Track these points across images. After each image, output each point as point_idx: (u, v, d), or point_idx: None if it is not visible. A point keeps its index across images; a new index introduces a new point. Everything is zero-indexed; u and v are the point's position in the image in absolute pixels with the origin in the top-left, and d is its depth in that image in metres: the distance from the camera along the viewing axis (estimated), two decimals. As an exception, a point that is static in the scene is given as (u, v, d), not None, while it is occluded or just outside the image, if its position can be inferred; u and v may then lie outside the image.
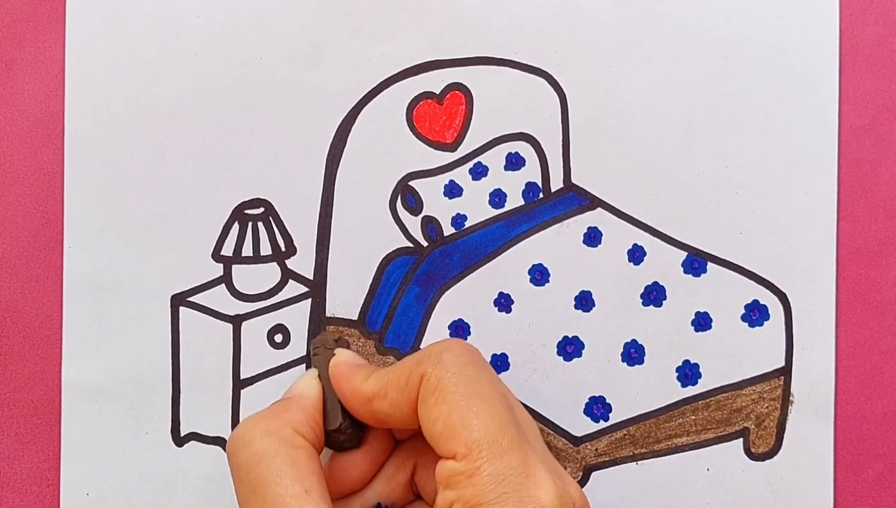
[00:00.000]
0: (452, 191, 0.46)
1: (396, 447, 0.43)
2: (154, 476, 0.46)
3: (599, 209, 0.46)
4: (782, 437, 0.46)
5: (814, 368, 0.46)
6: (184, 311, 0.46)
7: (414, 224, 0.46)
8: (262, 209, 0.46)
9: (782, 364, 0.46)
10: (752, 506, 0.46)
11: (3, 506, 0.46)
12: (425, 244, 0.46)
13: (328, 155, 0.46)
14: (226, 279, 0.46)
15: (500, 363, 0.46)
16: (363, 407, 0.40)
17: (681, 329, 0.46)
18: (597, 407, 0.46)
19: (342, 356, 0.42)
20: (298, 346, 0.47)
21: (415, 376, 0.38)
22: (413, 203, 0.46)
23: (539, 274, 0.46)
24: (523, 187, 0.47)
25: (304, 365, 0.47)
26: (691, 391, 0.46)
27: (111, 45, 0.46)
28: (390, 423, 0.40)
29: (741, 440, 0.46)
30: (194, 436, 0.46)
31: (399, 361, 0.40)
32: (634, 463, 0.46)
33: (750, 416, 0.46)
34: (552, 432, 0.46)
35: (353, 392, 0.40)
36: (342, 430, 0.41)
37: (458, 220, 0.46)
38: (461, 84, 0.46)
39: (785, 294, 0.46)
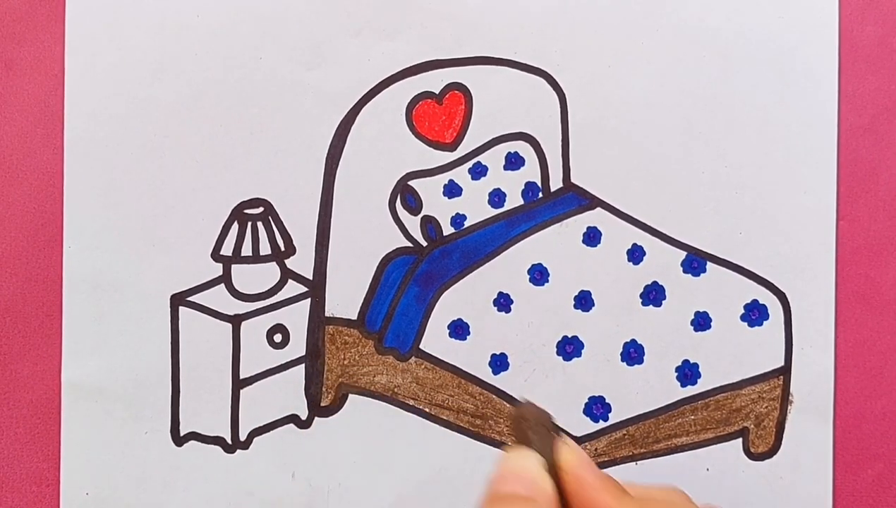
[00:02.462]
0: (452, 190, 0.46)
1: None
2: (154, 476, 0.46)
3: (599, 209, 0.46)
4: (781, 437, 0.46)
5: (813, 368, 0.46)
6: (183, 311, 0.46)
7: (413, 223, 0.46)
8: (261, 209, 0.46)
9: (781, 363, 0.46)
10: (751, 506, 0.46)
11: (3, 506, 0.46)
12: (425, 244, 0.46)
13: (328, 155, 0.46)
14: (225, 279, 0.46)
15: (500, 363, 0.46)
16: None
17: (680, 328, 0.46)
18: (596, 407, 0.46)
19: (576, 455, 0.37)
20: (298, 346, 0.47)
21: None
22: (412, 202, 0.46)
23: (538, 274, 0.46)
24: (523, 187, 0.47)
25: (303, 366, 0.46)
26: (691, 391, 0.46)
27: (111, 45, 0.46)
28: None
29: (741, 440, 0.46)
30: (194, 436, 0.46)
31: (648, 492, 0.37)
32: (634, 463, 0.46)
33: (749, 416, 0.46)
34: (551, 432, 0.46)
35: None
36: None
37: (458, 220, 0.46)
38: (461, 84, 0.46)
39: (784, 293, 0.46)
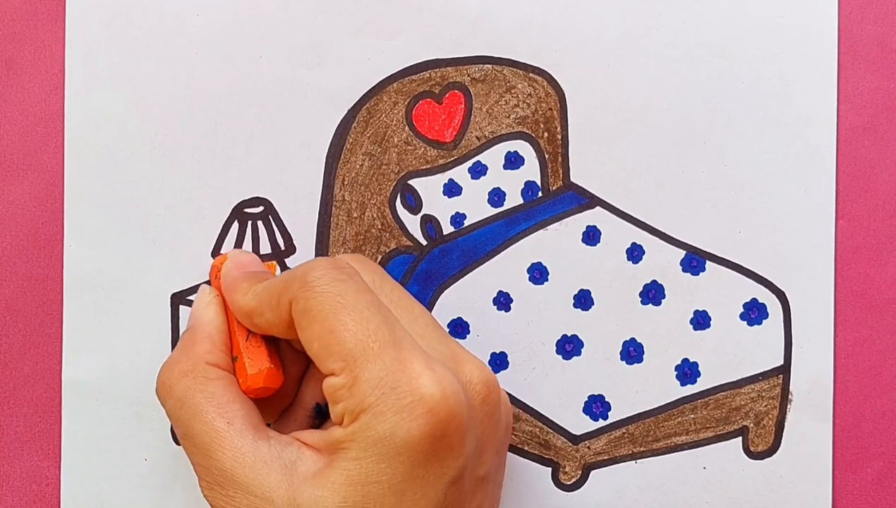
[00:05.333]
0: (451, 189, 0.46)
1: None
2: (154, 476, 0.46)
3: (598, 208, 0.46)
4: (781, 436, 0.46)
5: (812, 366, 0.46)
6: (184, 310, 0.46)
7: (413, 222, 0.46)
8: (261, 208, 0.46)
9: (781, 362, 0.46)
10: (750, 505, 0.46)
11: (3, 505, 0.46)
12: (424, 243, 0.46)
13: (328, 154, 0.46)
14: (225, 278, 0.46)
15: (500, 361, 0.46)
16: (246, 321, 0.41)
17: (679, 327, 0.46)
18: (596, 406, 0.46)
19: (232, 260, 0.43)
20: (298, 345, 0.47)
21: (284, 299, 0.38)
22: (412, 202, 0.46)
23: (538, 273, 0.46)
24: (522, 186, 0.47)
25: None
26: (690, 389, 0.46)
27: (111, 45, 0.46)
28: (279, 336, 0.40)
29: (740, 438, 0.46)
30: (194, 435, 0.46)
31: (274, 278, 0.41)
32: (633, 462, 0.46)
33: (749, 415, 0.46)
34: (551, 430, 0.46)
35: (235, 307, 0.41)
36: None
37: (457, 219, 0.46)
38: (461, 83, 0.46)
39: (784, 292, 0.46)
